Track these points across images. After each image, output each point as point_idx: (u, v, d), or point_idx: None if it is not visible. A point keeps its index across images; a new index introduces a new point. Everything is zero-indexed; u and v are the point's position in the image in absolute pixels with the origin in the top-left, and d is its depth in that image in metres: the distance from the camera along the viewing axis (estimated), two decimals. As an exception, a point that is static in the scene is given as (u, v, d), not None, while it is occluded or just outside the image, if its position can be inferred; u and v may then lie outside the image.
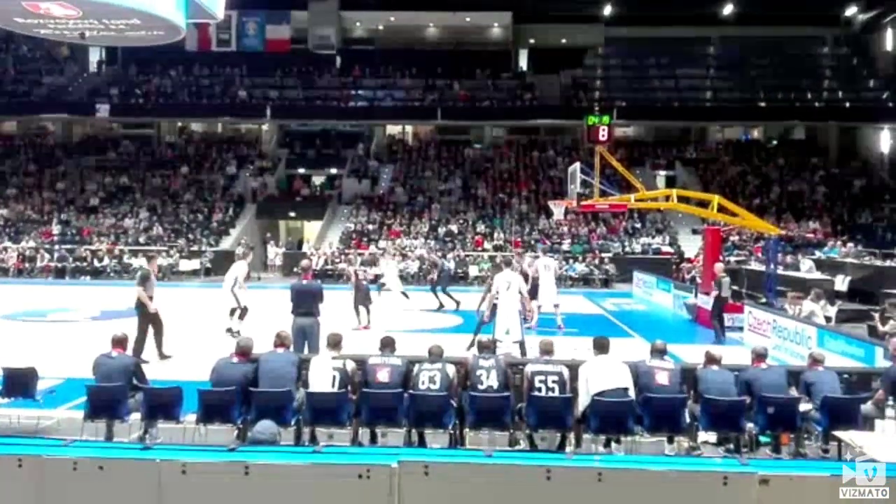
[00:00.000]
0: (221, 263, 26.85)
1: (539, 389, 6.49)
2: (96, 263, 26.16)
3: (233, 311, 12.91)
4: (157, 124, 37.05)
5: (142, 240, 28.29)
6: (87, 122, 36.51)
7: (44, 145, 36.48)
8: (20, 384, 7.06)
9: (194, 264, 26.36)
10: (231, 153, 35.30)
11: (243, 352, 6.81)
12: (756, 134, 37.21)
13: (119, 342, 6.97)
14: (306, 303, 9.37)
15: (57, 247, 27.08)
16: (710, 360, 6.94)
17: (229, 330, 12.54)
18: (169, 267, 26.11)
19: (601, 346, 6.82)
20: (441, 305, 17.41)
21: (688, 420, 6.57)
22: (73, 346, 11.49)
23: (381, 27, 37.79)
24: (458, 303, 17.13)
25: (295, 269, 10.64)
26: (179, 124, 37.73)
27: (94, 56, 38.82)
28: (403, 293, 17.49)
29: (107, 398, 6.55)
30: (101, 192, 32.03)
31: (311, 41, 36.03)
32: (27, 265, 26.26)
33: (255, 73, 36.80)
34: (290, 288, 9.71)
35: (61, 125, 36.92)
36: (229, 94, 35.79)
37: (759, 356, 7.00)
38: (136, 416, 6.63)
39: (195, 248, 27.61)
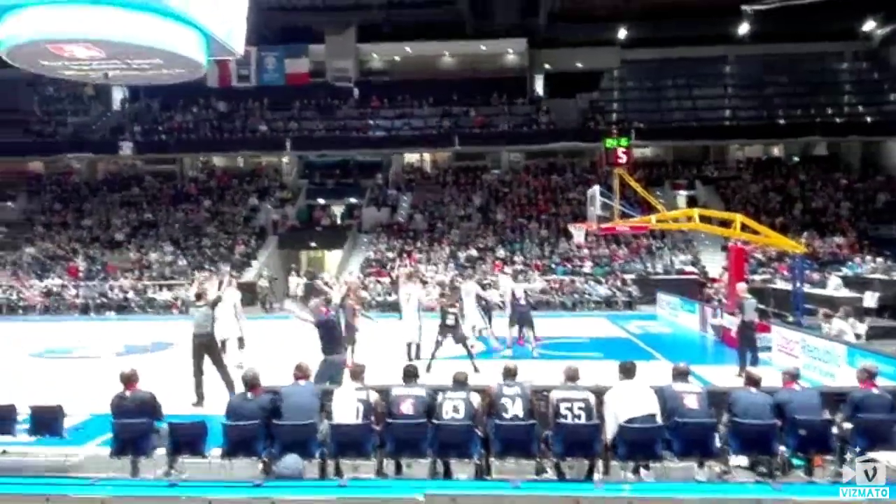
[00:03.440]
0: (244, 295, 27.05)
1: (565, 416, 6.41)
2: (120, 295, 26.44)
3: (241, 343, 12.65)
4: (179, 160, 37.65)
5: (166, 273, 28.58)
6: (112, 159, 37.21)
7: (69, 183, 37.20)
8: (47, 422, 7.11)
9: (217, 296, 26.48)
10: (252, 185, 35.73)
11: (253, 385, 6.72)
12: (777, 151, 36.93)
13: (129, 379, 6.91)
14: (325, 339, 9.42)
15: (83, 283, 27.45)
16: (750, 381, 6.76)
17: (240, 365, 12.28)
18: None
19: (627, 371, 6.70)
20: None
21: (718, 444, 6.43)
22: (98, 383, 11.55)
23: (397, 58, 38.22)
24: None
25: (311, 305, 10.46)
26: (202, 159, 38.30)
27: (118, 94, 39.64)
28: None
29: (132, 434, 6.57)
30: (125, 228, 32.50)
31: (330, 74, 36.49)
32: (53, 302, 26.61)
33: (275, 106, 37.35)
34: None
35: (86, 163, 37.62)
36: (250, 128, 36.33)
37: (792, 377, 6.86)
38: (161, 452, 6.63)
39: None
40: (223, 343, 12.11)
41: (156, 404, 6.91)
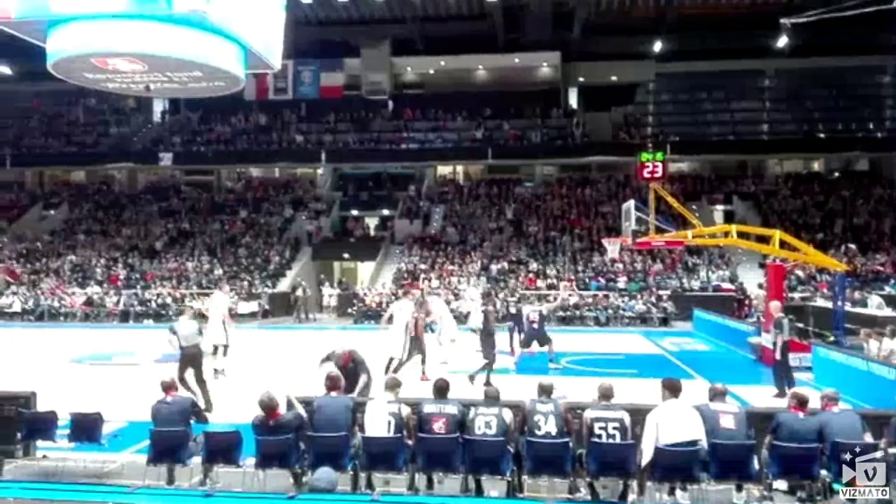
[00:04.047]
0: (278, 305, 27.38)
1: (599, 436, 6.29)
2: (158, 301, 26.92)
3: (216, 349, 12.68)
4: (217, 170, 38.30)
5: (203, 282, 29.00)
6: (151, 169, 38.01)
7: (110, 192, 38.05)
8: (86, 428, 7.25)
9: (252, 306, 26.84)
10: (287, 196, 36.17)
11: (271, 409, 6.58)
12: (817, 166, 36.26)
13: (169, 386, 7.14)
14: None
15: (122, 291, 27.99)
16: (801, 403, 6.51)
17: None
18: (228, 309, 26.65)
19: (673, 389, 6.47)
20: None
21: (757, 466, 6.27)
22: (136, 390, 11.71)
23: (431, 71, 38.49)
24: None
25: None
26: (238, 170, 38.90)
27: (158, 107, 40.55)
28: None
29: (169, 442, 6.65)
30: (164, 237, 33.10)
31: (364, 87, 36.93)
32: (93, 309, 27.14)
33: (311, 118, 37.88)
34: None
35: (126, 173, 38.52)
36: (286, 140, 36.85)
37: (831, 399, 6.65)
38: (196, 460, 6.70)
39: (253, 290, 28.14)
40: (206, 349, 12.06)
41: (197, 409, 7.15)
